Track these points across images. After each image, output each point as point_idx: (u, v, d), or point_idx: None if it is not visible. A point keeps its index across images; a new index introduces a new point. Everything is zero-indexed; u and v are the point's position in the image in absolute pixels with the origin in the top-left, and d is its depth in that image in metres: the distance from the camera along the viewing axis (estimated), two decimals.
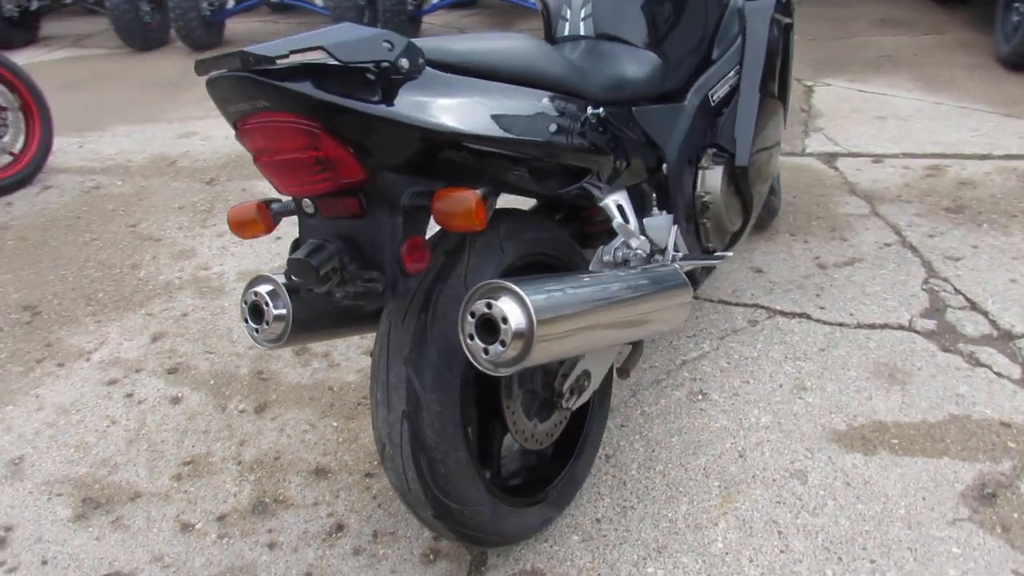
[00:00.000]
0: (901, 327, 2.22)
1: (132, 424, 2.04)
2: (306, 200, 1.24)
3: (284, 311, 1.39)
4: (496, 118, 1.22)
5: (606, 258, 1.49)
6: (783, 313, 2.34)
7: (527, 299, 1.11)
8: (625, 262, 1.52)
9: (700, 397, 2.02)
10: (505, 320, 1.10)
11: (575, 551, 1.59)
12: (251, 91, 1.05)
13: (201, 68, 1.05)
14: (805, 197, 3.06)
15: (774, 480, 1.73)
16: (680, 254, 1.76)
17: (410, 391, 1.29)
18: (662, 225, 1.73)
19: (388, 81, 1.12)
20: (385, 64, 1.09)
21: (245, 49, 1.01)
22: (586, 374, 1.51)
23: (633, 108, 1.68)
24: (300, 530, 1.69)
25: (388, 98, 1.11)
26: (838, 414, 1.91)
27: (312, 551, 1.64)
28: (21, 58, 6.40)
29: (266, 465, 1.88)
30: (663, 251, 1.75)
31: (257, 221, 1.30)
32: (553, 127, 1.33)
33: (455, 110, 1.17)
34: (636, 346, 1.86)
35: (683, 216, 1.84)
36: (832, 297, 2.39)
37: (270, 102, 1.06)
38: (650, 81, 1.75)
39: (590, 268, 1.49)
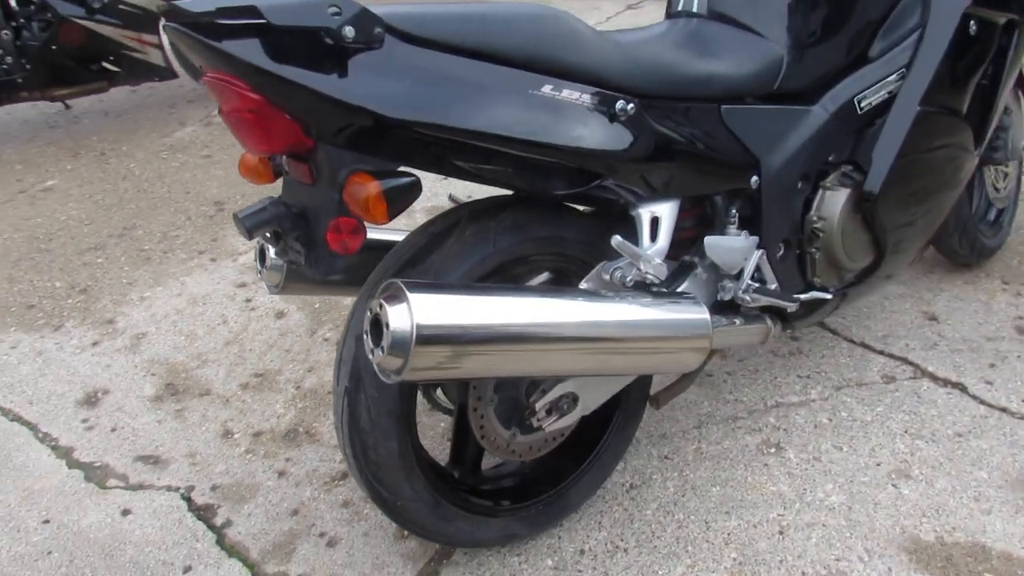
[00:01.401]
0: None
1: (236, 327, 2.24)
2: (285, 157, 1.22)
3: (280, 262, 1.42)
4: (458, 104, 1.09)
5: (604, 276, 1.30)
6: (933, 377, 1.90)
7: (413, 309, 1.00)
8: (637, 285, 1.31)
9: (773, 450, 1.73)
10: (387, 325, 1.01)
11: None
12: (192, 46, 1.03)
13: (160, 9, 1.05)
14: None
15: (803, 574, 1.45)
16: (755, 285, 1.49)
17: (354, 370, 1.25)
18: (735, 247, 1.46)
19: (337, 50, 1.04)
20: (328, 31, 1.02)
21: (175, 2, 1.00)
22: (571, 397, 1.35)
23: (722, 107, 1.42)
24: (311, 467, 1.75)
25: (329, 69, 1.03)
26: (933, 520, 1.53)
27: (310, 490, 1.69)
28: None
29: (318, 396, 1.96)
30: (737, 277, 1.49)
31: (260, 170, 1.31)
32: (545, 120, 1.15)
33: (403, 91, 1.06)
34: (686, 375, 1.65)
35: (780, 241, 1.54)
36: (1010, 373, 1.90)
37: (207, 61, 1.04)
38: (757, 75, 1.45)
39: (581, 285, 1.31)
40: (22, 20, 3.23)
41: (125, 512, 1.66)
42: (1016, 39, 1.70)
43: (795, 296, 1.50)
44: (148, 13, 3.36)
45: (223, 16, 0.99)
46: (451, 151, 1.15)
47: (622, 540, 1.54)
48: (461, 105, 1.10)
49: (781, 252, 1.57)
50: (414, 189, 1.10)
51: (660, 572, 1.47)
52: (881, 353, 1.99)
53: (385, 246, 1.39)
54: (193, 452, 1.81)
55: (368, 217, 1.07)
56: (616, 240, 1.24)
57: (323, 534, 1.59)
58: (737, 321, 1.53)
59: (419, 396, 1.42)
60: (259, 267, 1.46)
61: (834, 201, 1.56)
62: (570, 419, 1.38)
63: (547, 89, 1.17)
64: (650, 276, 1.28)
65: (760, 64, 1.47)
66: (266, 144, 1.10)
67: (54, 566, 1.54)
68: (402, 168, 1.15)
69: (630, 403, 1.56)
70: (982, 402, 1.82)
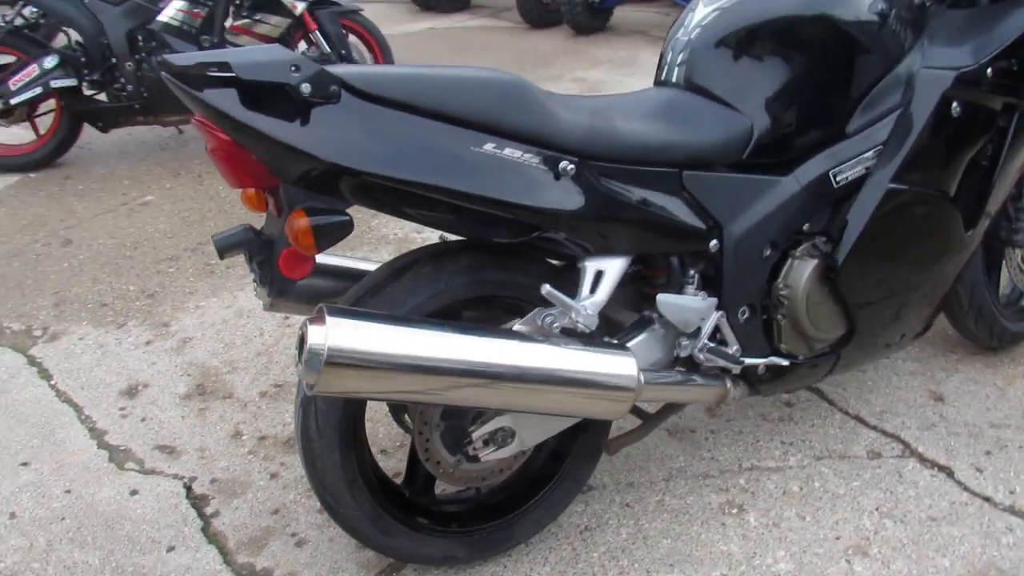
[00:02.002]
0: None
1: (270, 340, 2.45)
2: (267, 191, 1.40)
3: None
4: (401, 156, 1.22)
5: (538, 322, 1.39)
6: (921, 457, 1.86)
7: (328, 332, 1.14)
8: (567, 332, 1.39)
9: (734, 511, 1.74)
10: (306, 343, 1.15)
11: None
12: (180, 94, 1.22)
13: (160, 66, 1.25)
14: None
15: None
16: (710, 345, 1.54)
17: None
18: (689, 307, 1.52)
19: (298, 103, 1.20)
20: (288, 86, 1.18)
21: (165, 57, 1.19)
22: (508, 432, 1.45)
23: (684, 172, 1.50)
24: (300, 473, 1.90)
25: (287, 119, 1.19)
26: None
27: (294, 494, 1.84)
28: (446, 21, 7.49)
29: None
30: (694, 336, 1.55)
31: (255, 200, 1.49)
32: (484, 175, 1.27)
33: (352, 141, 1.21)
34: (644, 425, 1.70)
35: (744, 305, 1.58)
36: (1005, 462, 1.83)
37: (191, 106, 1.23)
38: (725, 145, 1.52)
39: (515, 327, 1.40)
40: (144, 54, 3.65)
41: (133, 492, 1.86)
42: (1016, 123, 1.68)
43: (740, 359, 1.54)
44: None
45: (202, 69, 1.17)
46: (396, 197, 1.29)
47: None
48: (404, 157, 1.24)
49: (746, 316, 1.61)
50: (345, 227, 1.24)
51: None
52: (873, 428, 1.96)
53: (359, 275, 1.54)
54: (204, 447, 2.00)
55: (299, 248, 1.22)
56: (545, 289, 1.34)
57: (295, 534, 1.73)
58: (693, 378, 1.58)
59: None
60: (255, 286, 1.64)
61: (801, 270, 1.59)
62: (507, 452, 1.47)
63: (489, 147, 1.29)
64: (580, 325, 1.37)
65: (728, 135, 1.54)
66: (237, 180, 1.28)
67: (64, 530, 1.75)
68: (344, 208, 1.30)
69: (583, 447, 1.63)
70: (966, 488, 1.77)
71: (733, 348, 1.59)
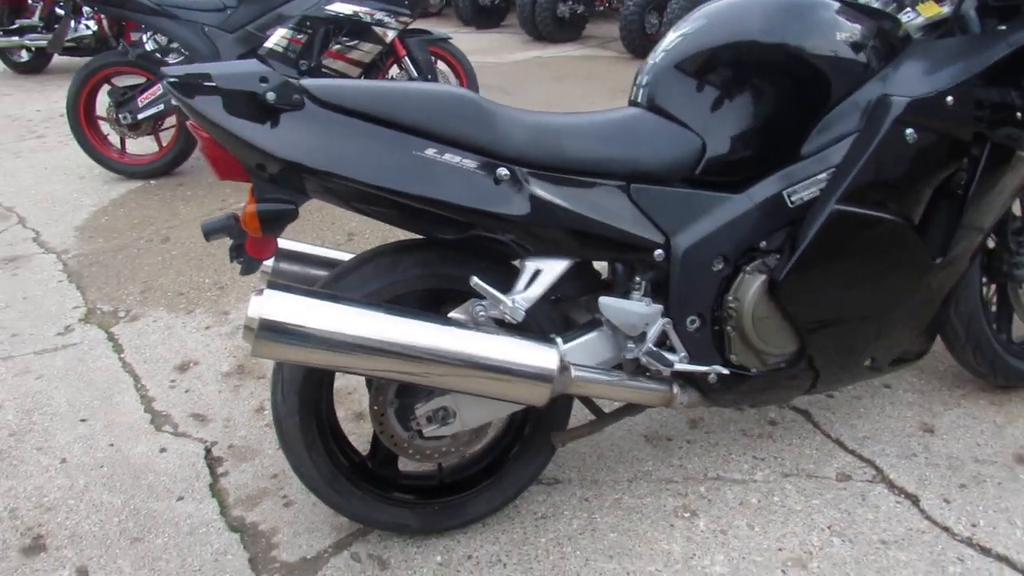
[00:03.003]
0: None
1: None
2: None
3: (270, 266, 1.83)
4: (349, 156, 1.41)
5: (471, 311, 1.52)
6: (891, 484, 1.85)
7: (263, 304, 1.34)
8: (496, 322, 1.53)
9: (687, 515, 1.80)
10: (247, 314, 1.35)
11: (401, 559, 1.70)
12: (176, 100, 1.46)
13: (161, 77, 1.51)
14: None
15: None
16: (652, 349, 1.63)
17: None
18: (631, 311, 1.62)
19: (266, 109, 1.42)
20: (256, 95, 1.40)
21: (164, 70, 1.44)
22: (450, 411, 1.59)
23: (632, 185, 1.60)
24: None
25: (254, 122, 1.41)
26: None
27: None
28: (554, 51, 7.73)
29: (341, 394, 2.34)
30: (639, 340, 1.65)
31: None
32: (422, 176, 1.44)
33: (309, 143, 1.41)
34: (594, 421, 1.80)
35: (693, 314, 1.66)
36: (977, 496, 1.79)
37: (184, 110, 1.47)
38: (676, 162, 1.62)
39: (450, 315, 1.54)
40: (301, 75, 4.07)
41: (162, 450, 2.13)
42: (987, 153, 1.67)
43: (671, 365, 1.62)
44: (344, 76, 4.08)
45: (190, 79, 1.41)
46: (347, 194, 1.48)
47: (507, 556, 1.72)
48: (353, 158, 1.43)
49: (696, 325, 1.68)
50: (288, 215, 1.44)
51: None
52: (851, 452, 1.96)
53: (334, 263, 1.75)
54: (230, 418, 2.26)
55: (247, 230, 1.43)
56: (473, 280, 1.49)
57: (285, 496, 1.94)
58: (635, 379, 1.67)
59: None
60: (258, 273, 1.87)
61: (750, 285, 1.66)
62: (449, 430, 1.61)
63: (430, 152, 1.46)
64: (508, 317, 1.50)
65: (680, 152, 1.63)
66: (220, 173, 1.50)
67: (100, 476, 2.04)
68: (303, 201, 1.50)
69: (533, 437, 1.75)
70: (927, 517, 1.75)
71: (680, 355, 1.67)
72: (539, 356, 1.48)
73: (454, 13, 8.24)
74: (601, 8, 7.49)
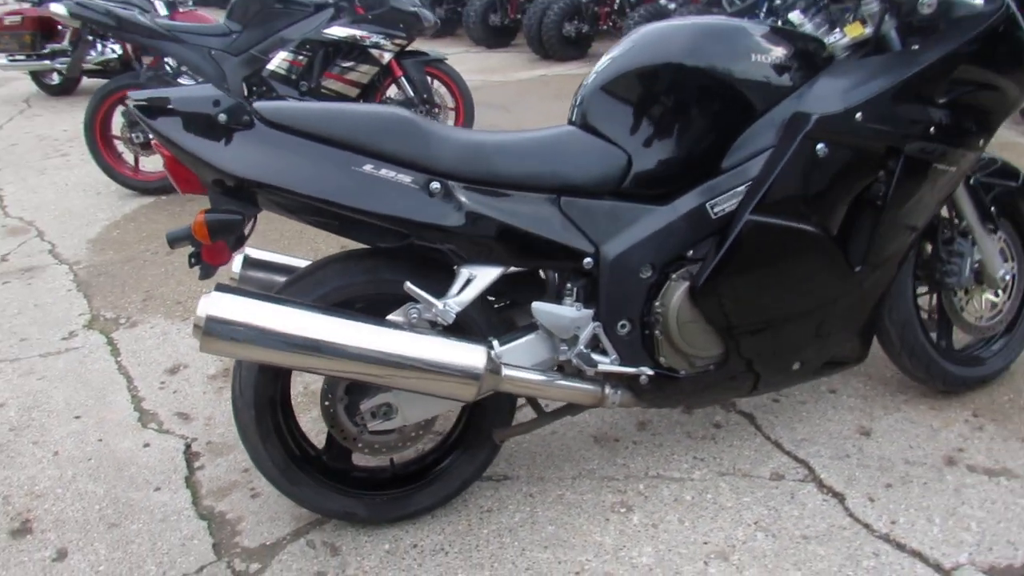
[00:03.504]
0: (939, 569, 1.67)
1: None
2: None
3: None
4: (293, 172, 1.56)
5: (407, 315, 1.66)
6: (820, 483, 1.94)
7: (210, 303, 1.48)
8: (430, 324, 1.66)
9: (623, 510, 1.91)
10: (196, 312, 1.49)
11: (352, 546, 1.83)
12: (140, 121, 1.62)
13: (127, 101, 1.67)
14: None
15: None
16: (584, 352, 1.75)
17: None
18: (562, 315, 1.74)
19: (220, 129, 1.57)
20: (209, 116, 1.56)
21: (129, 93, 1.60)
22: (389, 407, 1.72)
23: (562, 198, 1.73)
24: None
25: (206, 140, 1.56)
26: None
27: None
28: (560, 69, 7.88)
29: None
30: (572, 342, 1.76)
31: None
32: (360, 189, 1.57)
33: (257, 159, 1.56)
34: (534, 419, 1.91)
35: (623, 319, 1.77)
36: (900, 495, 1.87)
37: (148, 130, 1.62)
38: (603, 176, 1.74)
39: (389, 317, 1.67)
40: (255, 96, 4.28)
41: (146, 445, 2.29)
42: (901, 166, 1.77)
43: (597, 365, 1.73)
44: (341, 96, 4.26)
45: (152, 102, 1.57)
46: (291, 205, 1.62)
47: (450, 546, 1.84)
48: (295, 173, 1.57)
49: (627, 329, 1.80)
50: (235, 224, 1.59)
51: (460, 575, 1.75)
52: (787, 453, 2.05)
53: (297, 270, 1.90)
54: (211, 417, 2.41)
55: (197, 237, 1.58)
56: (407, 285, 1.62)
57: (253, 489, 2.08)
58: (566, 379, 1.78)
59: None
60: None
61: (674, 291, 1.77)
62: (390, 424, 1.75)
63: (368, 167, 1.60)
64: (439, 320, 1.63)
65: (608, 168, 1.75)
66: (181, 187, 1.66)
67: (87, 467, 2.19)
68: (254, 213, 1.65)
69: (477, 434, 1.87)
70: (850, 514, 1.84)
71: (611, 357, 1.79)
72: (466, 355, 1.60)
73: (466, 33, 8.45)
74: (605, 27, 7.64)
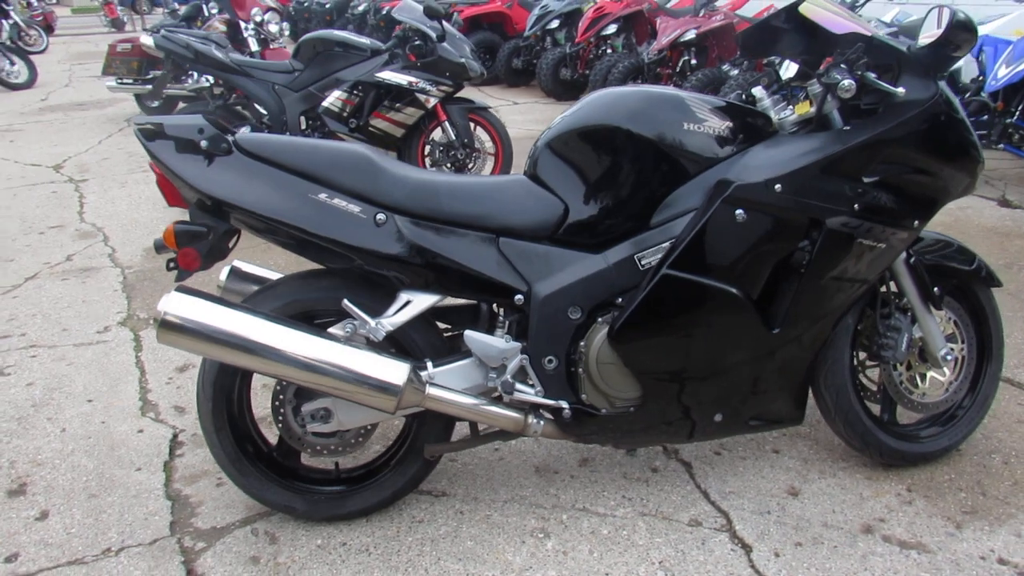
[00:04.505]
0: None
1: None
2: None
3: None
4: (258, 195, 1.78)
5: (345, 329, 1.84)
6: (733, 534, 2.01)
7: (166, 303, 1.71)
8: (360, 339, 1.84)
9: (541, 535, 2.03)
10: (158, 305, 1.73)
11: (289, 538, 2.00)
12: (140, 143, 1.89)
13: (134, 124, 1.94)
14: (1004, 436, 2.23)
15: None
16: (508, 380, 1.90)
17: None
18: (491, 345, 1.90)
19: (203, 154, 1.82)
20: (194, 142, 1.81)
21: (135, 119, 1.87)
22: (327, 411, 1.91)
23: (501, 238, 1.90)
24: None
25: (189, 163, 1.81)
26: None
27: None
28: None
29: None
30: (499, 370, 1.92)
31: None
32: (313, 215, 1.79)
33: (229, 183, 1.79)
34: (464, 439, 2.06)
35: (550, 354, 1.92)
36: (807, 555, 1.93)
37: (146, 151, 1.89)
38: (541, 222, 1.90)
39: (329, 330, 1.86)
40: (309, 130, 4.63)
41: (140, 431, 2.54)
42: (821, 238, 1.86)
43: (515, 394, 1.87)
44: (387, 135, 4.57)
45: (150, 127, 1.83)
46: (254, 224, 1.85)
47: (375, 548, 2.00)
48: (260, 196, 1.80)
49: (554, 365, 1.94)
50: (199, 235, 1.82)
51: (375, 574, 1.90)
52: (712, 503, 2.13)
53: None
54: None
55: (167, 244, 1.81)
56: (344, 302, 1.81)
57: (220, 479, 2.28)
58: (491, 404, 1.93)
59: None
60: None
61: (596, 333, 1.91)
62: (327, 428, 1.93)
63: (322, 196, 1.82)
64: (370, 336, 1.82)
65: (545, 215, 1.92)
66: (169, 201, 1.91)
67: (86, 445, 2.46)
68: (223, 228, 1.88)
69: (412, 449, 2.03)
70: (752, 566, 1.91)
71: (536, 389, 1.93)
72: (388, 370, 1.78)
73: (538, 85, 8.78)
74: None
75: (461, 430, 2.12)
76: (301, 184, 1.83)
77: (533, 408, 1.97)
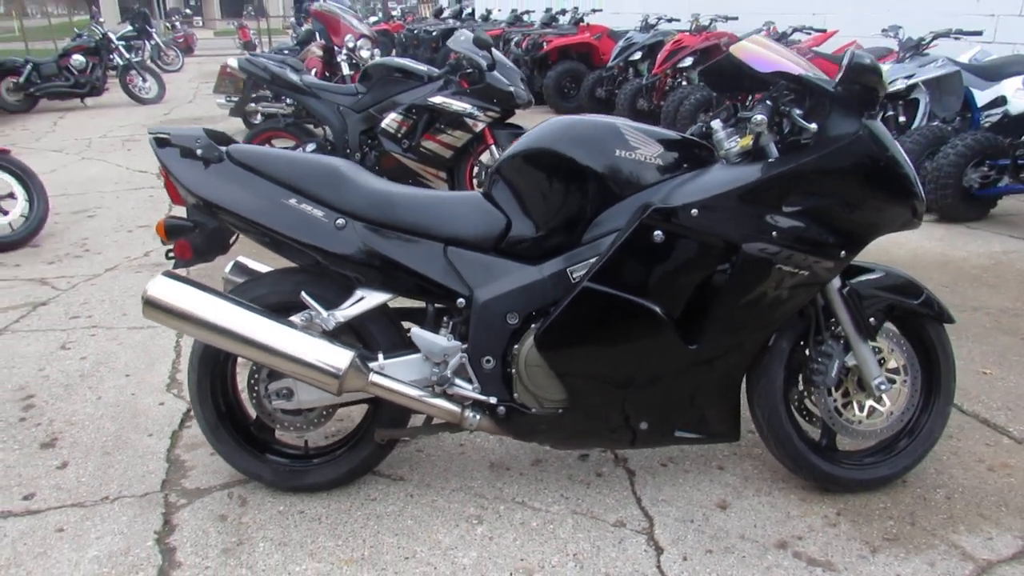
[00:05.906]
0: None
1: None
2: None
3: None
4: (237, 198, 2.07)
5: (303, 317, 2.09)
6: (651, 537, 2.13)
7: (152, 284, 2.02)
8: (313, 327, 2.09)
9: (475, 522, 2.21)
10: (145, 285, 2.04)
11: (257, 502, 2.26)
12: (152, 148, 2.22)
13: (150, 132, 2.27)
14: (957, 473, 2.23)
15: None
16: (446, 375, 2.11)
17: None
18: (433, 343, 2.12)
19: (200, 161, 2.13)
20: (192, 150, 2.12)
21: (149, 129, 2.21)
22: (289, 390, 2.17)
23: (449, 247, 2.12)
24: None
25: (187, 168, 2.12)
26: None
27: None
28: None
29: None
30: (441, 366, 2.13)
31: None
32: (282, 217, 2.06)
33: (217, 186, 2.09)
34: (412, 428, 2.27)
35: (488, 355, 2.11)
36: (715, 561, 2.04)
37: (154, 155, 2.22)
38: (485, 235, 2.11)
39: (291, 318, 2.11)
40: (367, 148, 5.00)
41: (161, 404, 2.89)
42: (738, 261, 1.98)
43: (451, 387, 2.08)
44: (437, 156, 4.87)
45: (161, 136, 2.16)
46: (236, 223, 2.14)
47: (327, 518, 2.24)
48: (240, 199, 2.09)
49: (491, 365, 2.14)
50: (186, 229, 2.12)
51: (322, 543, 2.14)
52: (641, 508, 2.26)
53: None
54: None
55: (158, 234, 2.12)
56: (302, 294, 2.07)
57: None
58: (430, 396, 2.14)
59: None
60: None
61: (527, 337, 2.09)
62: (289, 405, 2.19)
63: (292, 201, 2.09)
64: (321, 325, 2.07)
65: (490, 229, 2.13)
66: (172, 200, 2.23)
67: (114, 411, 2.83)
68: (210, 225, 2.18)
69: (367, 433, 2.27)
70: (658, 566, 2.04)
71: (473, 386, 2.13)
72: (332, 356, 2.03)
73: (617, 114, 9.03)
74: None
75: (418, 420, 2.34)
76: (276, 190, 2.11)
77: (474, 404, 2.17)
